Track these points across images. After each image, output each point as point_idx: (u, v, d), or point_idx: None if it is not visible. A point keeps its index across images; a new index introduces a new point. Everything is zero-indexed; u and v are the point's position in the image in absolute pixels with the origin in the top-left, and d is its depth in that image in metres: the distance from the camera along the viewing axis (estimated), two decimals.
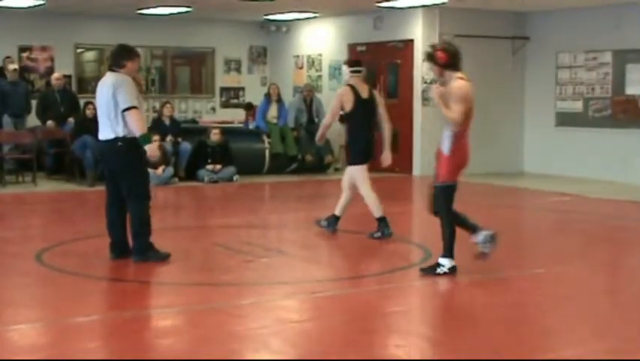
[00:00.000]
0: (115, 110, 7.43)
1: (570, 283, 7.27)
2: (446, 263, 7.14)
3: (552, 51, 15.30)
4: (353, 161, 8.99)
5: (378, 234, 8.76)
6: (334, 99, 9.04)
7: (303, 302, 6.60)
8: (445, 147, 7.22)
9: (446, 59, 7.19)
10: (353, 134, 9.03)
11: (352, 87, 8.94)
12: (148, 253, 7.59)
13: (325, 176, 15.17)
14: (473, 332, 5.71)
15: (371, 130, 9.03)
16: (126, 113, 7.39)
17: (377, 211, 8.82)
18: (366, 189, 8.85)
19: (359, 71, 9.11)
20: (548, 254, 8.58)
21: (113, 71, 7.60)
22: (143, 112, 7.71)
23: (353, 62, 9.45)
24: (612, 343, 5.52)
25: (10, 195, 12.49)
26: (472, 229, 7.28)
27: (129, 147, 7.47)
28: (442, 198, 7.18)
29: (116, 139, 7.47)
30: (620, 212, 11.37)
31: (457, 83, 7.20)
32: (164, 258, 7.64)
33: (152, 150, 7.54)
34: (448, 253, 7.15)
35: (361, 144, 8.91)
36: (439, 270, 7.14)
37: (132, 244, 7.66)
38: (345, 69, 9.14)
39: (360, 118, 8.89)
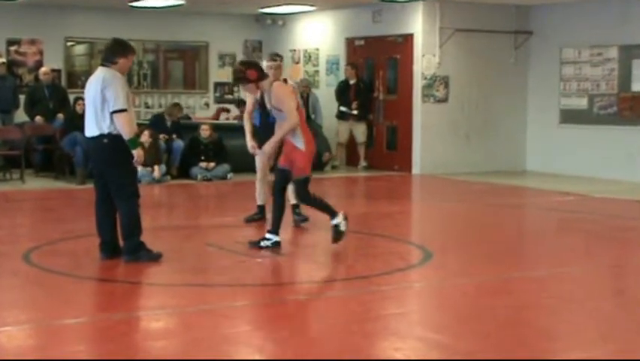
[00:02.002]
0: (102, 106, 7.39)
1: (574, 284, 7.27)
2: (272, 238, 8.08)
3: (556, 46, 15.30)
4: None
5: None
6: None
7: (298, 304, 6.60)
8: (300, 143, 8.06)
9: (257, 73, 8.02)
10: None
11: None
12: (139, 253, 7.58)
13: (322, 174, 15.13)
14: (474, 335, 5.70)
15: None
16: (115, 115, 7.38)
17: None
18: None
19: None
20: (552, 255, 8.58)
21: (104, 66, 7.58)
22: (132, 110, 7.68)
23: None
24: (618, 345, 5.52)
25: None
26: (331, 214, 8.18)
27: (115, 144, 7.43)
28: (303, 189, 8.08)
29: (102, 136, 7.44)
30: (625, 212, 11.38)
31: (275, 86, 8.10)
32: (155, 258, 7.63)
33: (139, 155, 7.51)
34: (276, 230, 8.11)
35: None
36: (263, 243, 8.07)
37: (123, 243, 7.65)
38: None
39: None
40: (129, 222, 7.56)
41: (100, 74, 7.52)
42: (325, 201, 8.32)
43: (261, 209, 9.69)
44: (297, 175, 8.08)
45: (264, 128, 9.04)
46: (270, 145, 8.24)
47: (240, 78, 8.13)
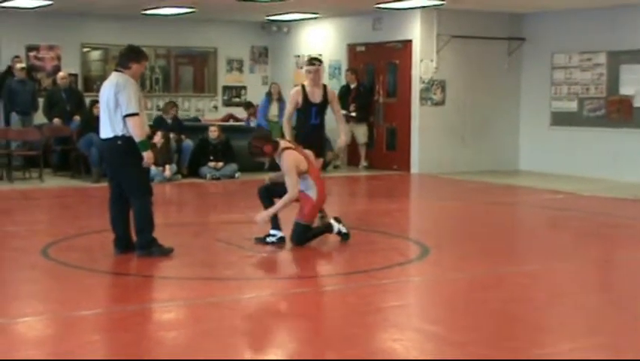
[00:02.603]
0: (115, 109, 7.40)
1: (564, 279, 7.27)
2: (277, 233, 8.17)
3: (548, 52, 15.29)
4: None
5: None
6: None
7: (302, 297, 6.60)
8: (312, 193, 8.10)
9: (271, 147, 8.01)
10: None
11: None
12: (151, 248, 7.59)
13: (325, 173, 15.09)
14: (468, 326, 5.71)
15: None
16: (127, 118, 7.38)
17: None
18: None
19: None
20: (542, 251, 8.58)
21: (118, 71, 7.59)
22: (144, 113, 7.69)
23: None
24: (604, 338, 5.52)
25: (18, 191, 12.50)
26: (328, 229, 8.36)
27: (128, 146, 7.45)
28: (301, 234, 8.11)
29: (116, 138, 7.46)
30: (612, 209, 11.37)
31: (284, 156, 8.02)
32: (167, 252, 7.64)
33: (149, 157, 7.52)
34: (277, 226, 8.19)
35: None
36: (268, 239, 8.15)
37: (136, 239, 7.66)
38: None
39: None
40: (142, 219, 7.58)
41: (114, 78, 7.53)
42: (316, 231, 8.30)
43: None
44: (299, 219, 8.09)
45: (305, 131, 8.89)
46: (263, 216, 8.04)
47: (257, 153, 8.12)
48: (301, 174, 8.05)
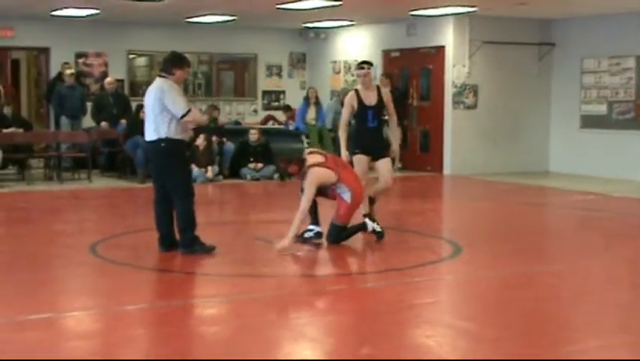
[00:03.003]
0: (160, 113, 7.45)
1: (593, 278, 7.20)
2: (314, 228, 8.24)
3: (577, 57, 15.14)
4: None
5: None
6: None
7: (338, 293, 6.61)
8: (346, 195, 8.04)
9: (297, 167, 8.07)
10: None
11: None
12: (194, 246, 7.63)
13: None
14: (499, 323, 5.68)
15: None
16: (186, 117, 7.45)
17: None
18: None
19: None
20: (572, 250, 8.49)
21: (162, 77, 7.64)
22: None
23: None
24: (632, 336, 5.45)
25: (67, 191, 12.64)
26: (363, 228, 8.33)
27: (172, 148, 7.50)
28: (337, 234, 8.13)
29: (160, 140, 7.50)
30: None
31: (310, 172, 7.99)
32: (209, 250, 7.68)
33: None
34: (315, 221, 8.26)
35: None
36: (306, 234, 8.21)
37: (179, 237, 7.71)
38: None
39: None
40: (184, 219, 7.62)
41: (158, 84, 7.57)
42: (351, 230, 8.21)
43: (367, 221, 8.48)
44: (335, 220, 8.08)
45: (364, 134, 8.71)
46: (284, 243, 7.75)
47: (285, 173, 8.58)
48: (332, 185, 8.02)
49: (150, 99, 7.55)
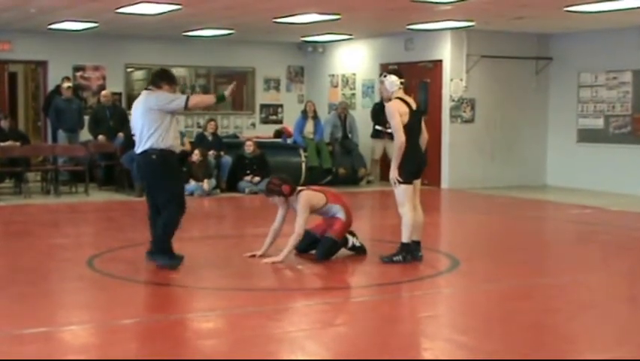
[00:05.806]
0: (149, 124, 7.40)
1: (592, 290, 7.18)
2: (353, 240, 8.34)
3: (574, 71, 15.18)
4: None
5: (399, 258, 7.97)
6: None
7: (336, 307, 6.59)
8: (341, 215, 8.18)
9: (290, 189, 8.02)
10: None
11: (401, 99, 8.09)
12: (165, 255, 7.51)
13: (358, 188, 15.14)
14: (498, 337, 5.65)
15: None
16: (191, 102, 7.47)
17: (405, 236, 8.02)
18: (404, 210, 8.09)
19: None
20: (571, 263, 8.48)
21: (148, 90, 7.61)
22: (177, 129, 7.74)
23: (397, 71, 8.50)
24: (633, 347, 5.44)
25: (64, 205, 12.62)
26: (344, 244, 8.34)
27: (162, 159, 7.44)
28: (330, 248, 8.11)
29: (148, 151, 7.45)
30: (639, 223, 11.21)
31: (300, 196, 8.03)
32: (174, 265, 7.52)
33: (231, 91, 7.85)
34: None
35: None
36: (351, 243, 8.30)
37: (152, 240, 7.60)
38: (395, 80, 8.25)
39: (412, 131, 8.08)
40: (167, 227, 7.50)
41: (146, 95, 7.53)
42: (339, 246, 8.25)
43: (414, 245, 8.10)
44: (331, 234, 8.13)
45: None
46: (274, 259, 7.88)
47: (274, 191, 8.05)
48: (321, 209, 8.14)
49: (138, 111, 7.51)
